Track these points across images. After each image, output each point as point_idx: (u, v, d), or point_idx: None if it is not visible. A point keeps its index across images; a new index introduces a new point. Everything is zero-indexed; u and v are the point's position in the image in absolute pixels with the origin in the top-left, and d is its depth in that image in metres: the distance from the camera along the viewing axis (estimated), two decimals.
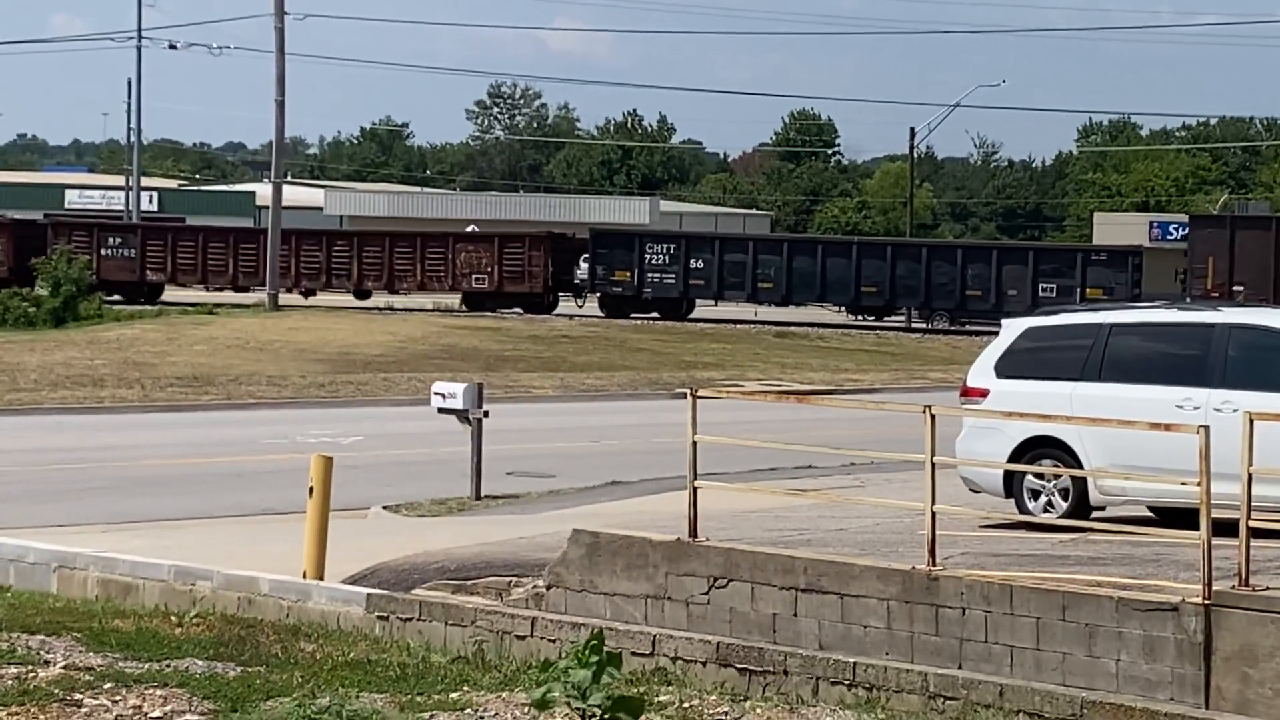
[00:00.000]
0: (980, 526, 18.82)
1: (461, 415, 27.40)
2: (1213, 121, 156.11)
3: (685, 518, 17.19)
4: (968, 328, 71.22)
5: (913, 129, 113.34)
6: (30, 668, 14.51)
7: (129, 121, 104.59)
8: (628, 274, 73.39)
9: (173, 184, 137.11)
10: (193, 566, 19.63)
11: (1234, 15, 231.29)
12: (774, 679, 15.51)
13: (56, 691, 13.68)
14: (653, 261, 73.28)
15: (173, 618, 17.59)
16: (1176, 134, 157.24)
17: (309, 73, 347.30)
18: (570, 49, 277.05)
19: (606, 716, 11.16)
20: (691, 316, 74.25)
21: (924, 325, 75.54)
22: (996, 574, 15.57)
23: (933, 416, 15.93)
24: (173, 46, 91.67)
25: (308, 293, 75.82)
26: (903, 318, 77.29)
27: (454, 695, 13.94)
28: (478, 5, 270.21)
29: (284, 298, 73.54)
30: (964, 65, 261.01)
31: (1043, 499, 19.14)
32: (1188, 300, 60.70)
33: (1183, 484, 15.36)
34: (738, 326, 70.92)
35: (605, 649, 11.33)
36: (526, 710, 13.03)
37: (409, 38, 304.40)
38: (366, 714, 13.00)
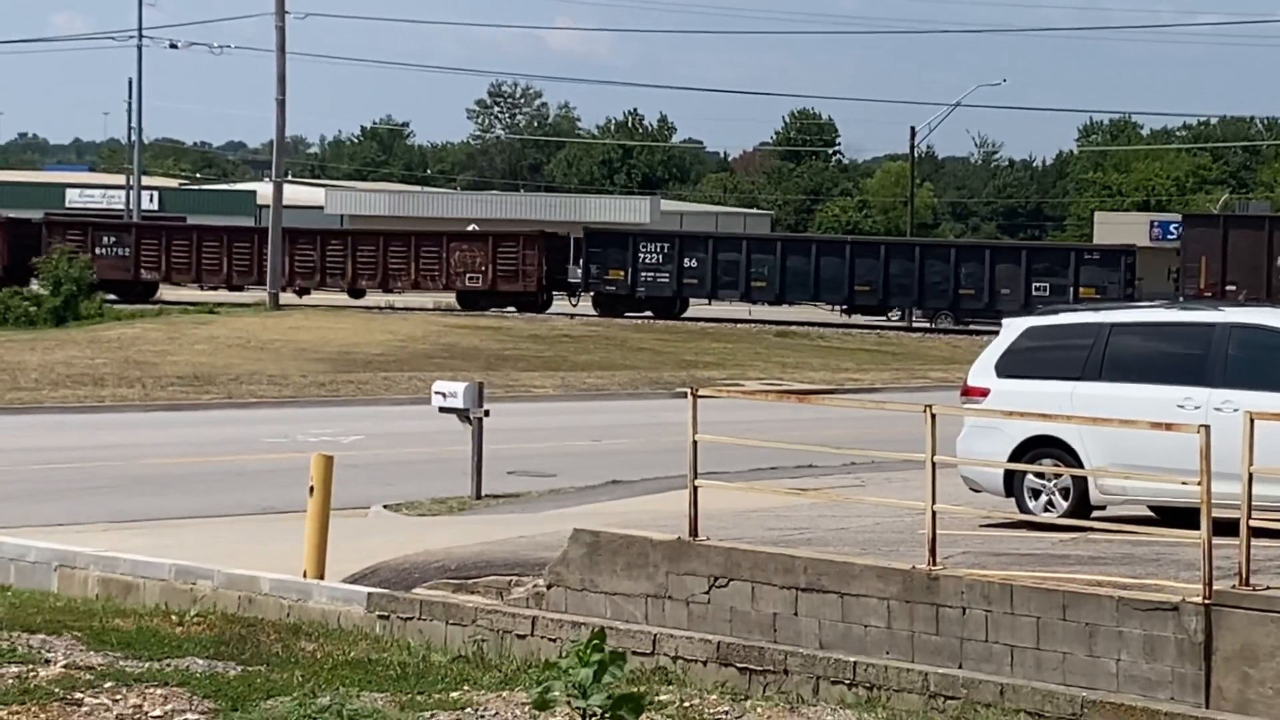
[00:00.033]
0: (981, 526, 18.82)
1: (462, 414, 27.41)
2: (1213, 121, 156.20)
3: (686, 517, 17.19)
4: (970, 327, 71.23)
5: (913, 128, 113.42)
6: (31, 667, 14.51)
7: (130, 120, 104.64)
8: (621, 273, 73.45)
9: (174, 183, 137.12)
10: (193, 566, 19.64)
11: (1234, 15, 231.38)
12: (774, 678, 15.51)
13: (57, 690, 13.68)
14: (646, 260, 73.33)
15: (173, 617, 17.59)
16: (1177, 133, 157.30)
17: (310, 72, 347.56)
18: (571, 48, 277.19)
19: (607, 716, 11.16)
20: (686, 315, 74.28)
21: (926, 324, 75.55)
22: (997, 573, 15.57)
23: (933, 416, 15.94)
24: (173, 46, 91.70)
25: (302, 291, 75.79)
26: (903, 317, 77.29)
27: (454, 694, 13.94)
28: (478, 5, 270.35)
29: (279, 296, 73.57)
30: (964, 64, 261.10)
31: (1043, 498, 19.15)
32: (1181, 299, 60.86)
33: (1183, 483, 15.37)
34: (738, 326, 70.93)
35: (608, 648, 11.32)
36: (527, 709, 13.02)
37: (409, 37, 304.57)
38: (367, 713, 13.00)
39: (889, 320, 77.22)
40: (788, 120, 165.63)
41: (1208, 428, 14.75)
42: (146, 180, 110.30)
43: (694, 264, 72.94)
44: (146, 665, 14.78)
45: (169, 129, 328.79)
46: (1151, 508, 19.11)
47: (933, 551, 15.81)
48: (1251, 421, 14.61)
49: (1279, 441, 15.59)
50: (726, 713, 13.72)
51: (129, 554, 20.39)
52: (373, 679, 14.59)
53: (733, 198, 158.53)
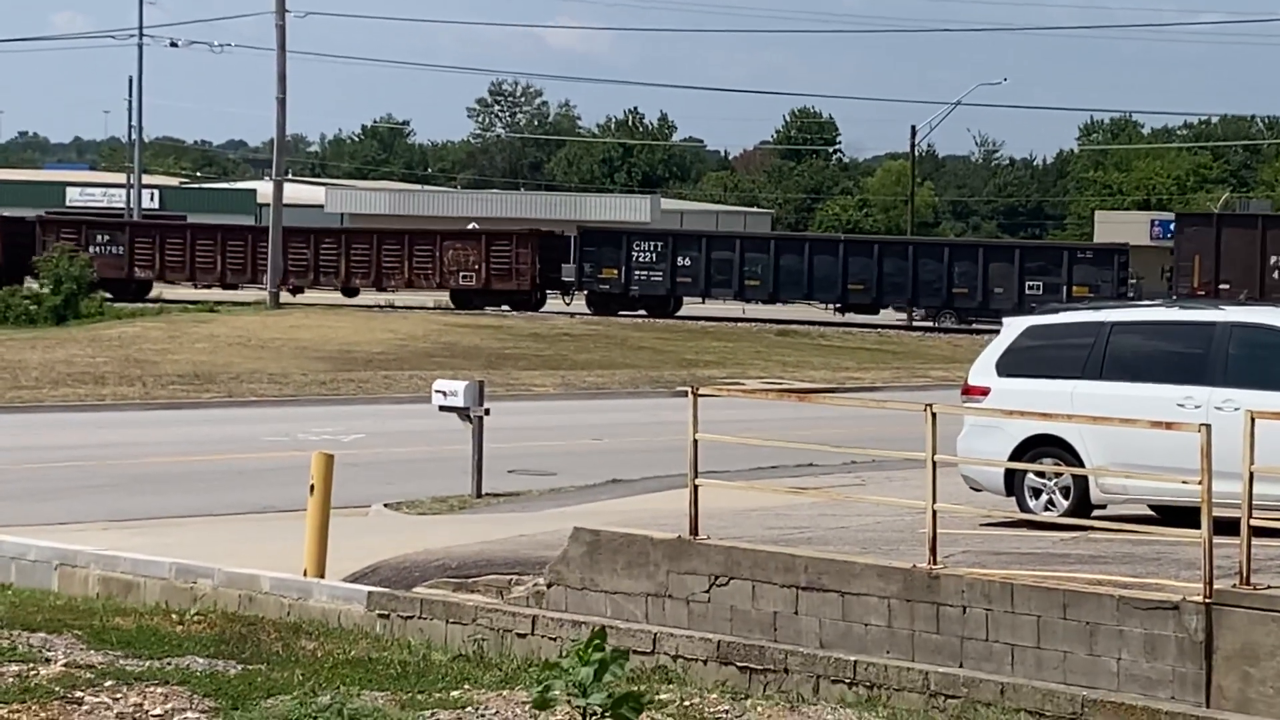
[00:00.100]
0: (981, 525, 18.82)
1: (462, 413, 27.40)
2: (1214, 120, 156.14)
3: (686, 516, 17.19)
4: (973, 327, 71.26)
5: (914, 127, 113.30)
6: (31, 665, 14.51)
7: (130, 119, 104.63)
8: (615, 271, 73.50)
9: (174, 182, 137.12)
10: (194, 564, 19.64)
11: (1236, 14, 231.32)
12: (775, 677, 15.51)
13: (57, 689, 13.67)
14: (640, 259, 73.39)
15: (173, 615, 17.59)
16: (1178, 132, 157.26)
17: (310, 70, 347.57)
18: (571, 47, 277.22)
19: (607, 715, 11.16)
20: (681, 314, 74.33)
21: (929, 324, 75.60)
22: (997, 572, 15.57)
23: (934, 415, 15.94)
24: (174, 44, 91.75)
25: (296, 290, 75.76)
26: (902, 316, 77.29)
27: (455, 693, 13.93)
28: (478, 3, 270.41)
29: (266, 294, 73.65)
30: (965, 63, 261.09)
31: (1044, 497, 19.15)
32: (1175, 298, 60.91)
33: (1184, 482, 15.37)
34: (739, 325, 70.95)
35: (609, 647, 11.32)
36: (527, 708, 13.02)
37: (410, 35, 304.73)
38: (367, 712, 13.00)
39: (904, 318, 77.13)
40: (788, 119, 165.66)
41: (1208, 427, 14.75)
42: (147, 179, 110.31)
43: (687, 263, 73.01)
44: (147, 664, 14.77)
45: (169, 128, 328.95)
46: (1152, 507, 19.10)
47: (933, 550, 15.81)
48: (1252, 420, 14.61)
49: (1279, 441, 15.58)
50: (727, 712, 13.71)
51: (129, 553, 20.39)
52: (373, 678, 14.59)
53: (733, 196, 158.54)
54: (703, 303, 77.53)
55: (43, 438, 35.79)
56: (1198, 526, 14.64)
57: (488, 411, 27.58)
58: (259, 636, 16.59)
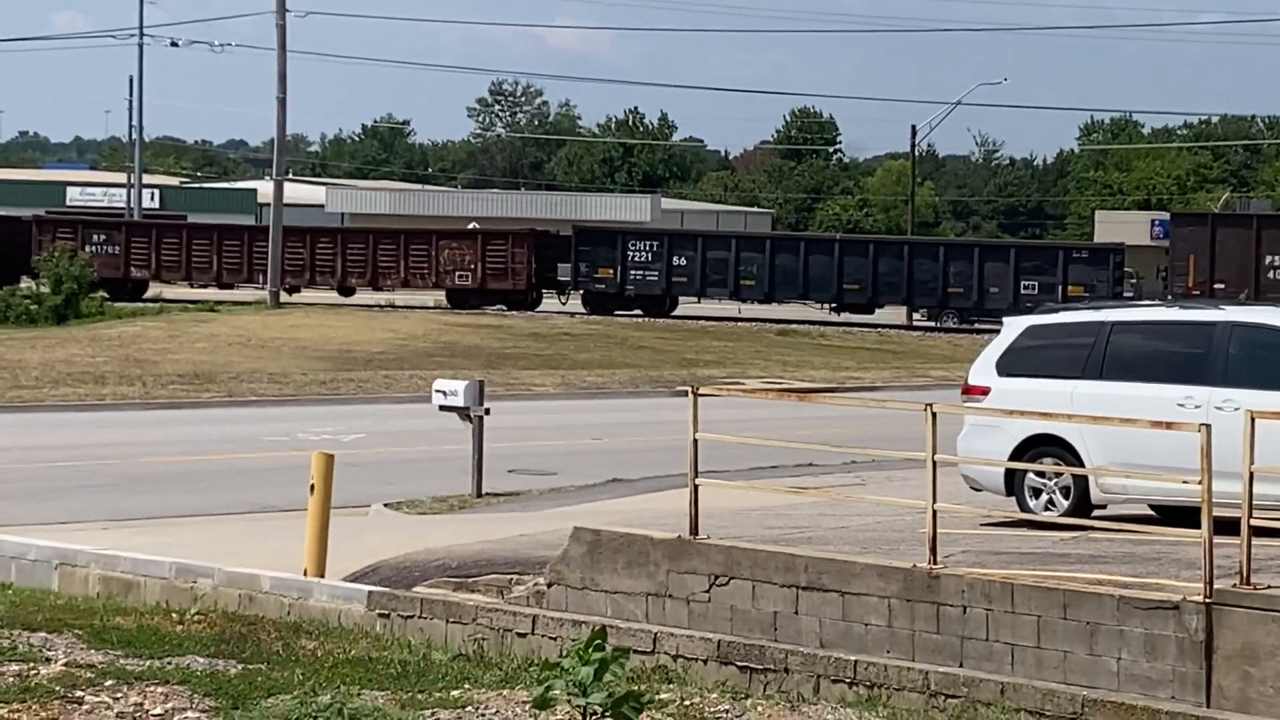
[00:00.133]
0: (981, 525, 18.82)
1: (463, 413, 27.40)
2: (1214, 120, 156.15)
3: (686, 515, 17.19)
4: (975, 326, 71.30)
5: (914, 127, 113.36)
6: (32, 665, 14.51)
7: (130, 119, 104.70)
8: (611, 271, 73.54)
9: (175, 181, 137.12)
10: (194, 564, 19.64)
11: (1236, 14, 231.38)
12: (775, 677, 15.51)
13: (58, 689, 13.68)
14: (635, 259, 73.44)
15: (174, 615, 17.59)
16: (1178, 132, 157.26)
17: (311, 70, 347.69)
18: (571, 46, 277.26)
19: (608, 714, 11.16)
20: (676, 314, 74.38)
21: (930, 323, 75.67)
22: (998, 572, 15.57)
23: (934, 415, 15.94)
24: (174, 44, 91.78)
25: (292, 289, 75.78)
26: (902, 315, 77.33)
27: (455, 693, 13.94)
28: (479, 3, 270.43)
29: (262, 294, 73.68)
30: (965, 63, 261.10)
31: (1044, 497, 19.15)
32: (1169, 297, 60.97)
33: (1184, 482, 15.37)
34: (739, 324, 70.96)
35: (609, 646, 11.32)
36: (527, 708, 13.02)
37: (410, 35, 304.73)
38: (368, 711, 13.00)
39: (904, 318, 77.15)
40: (789, 119, 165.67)
41: (1208, 426, 14.75)
42: (147, 178, 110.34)
43: (683, 262, 73.07)
44: (147, 663, 14.78)
45: (170, 127, 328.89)
46: (1152, 506, 19.11)
47: (933, 550, 15.81)
48: (1252, 420, 14.61)
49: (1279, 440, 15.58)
50: (727, 711, 13.72)
51: (129, 552, 20.38)
52: (373, 677, 14.59)
53: (733, 196, 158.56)
54: (698, 302, 77.60)
55: (43, 437, 35.79)
56: (1198, 526, 14.64)
57: (488, 411, 27.58)
58: (259, 636, 16.60)
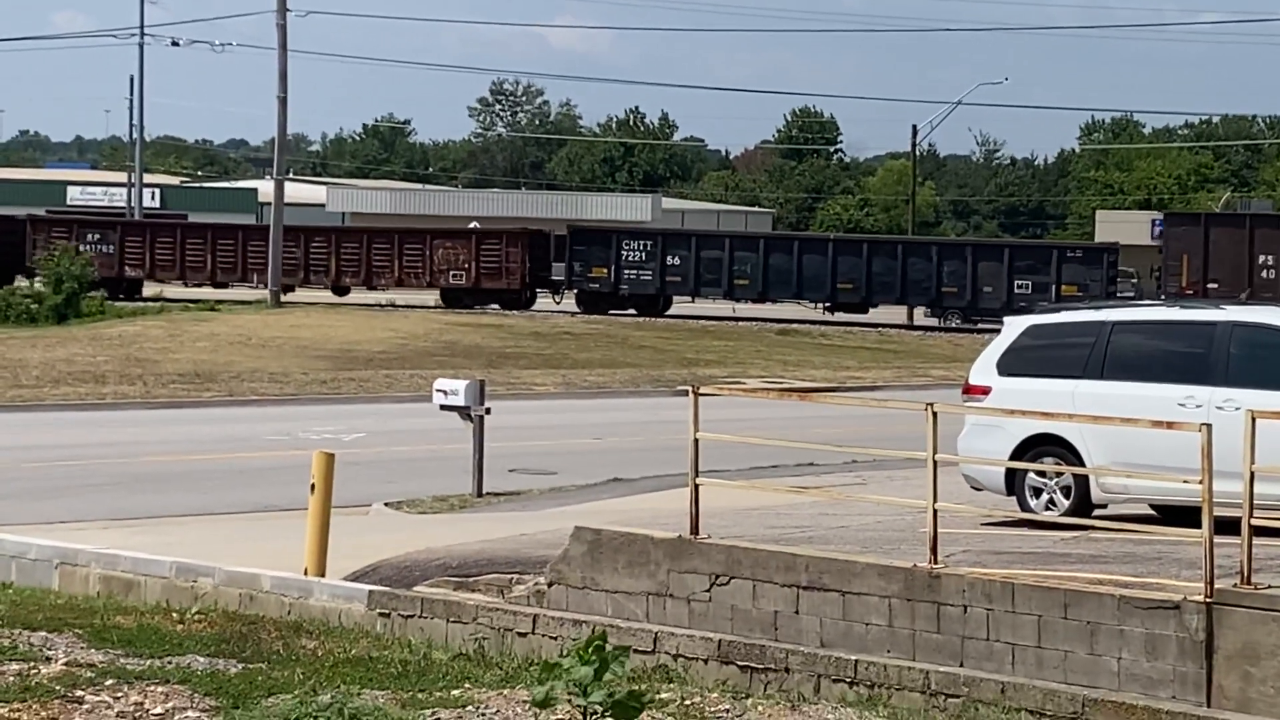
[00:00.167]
0: (982, 524, 18.81)
1: (463, 412, 27.40)
2: (1215, 119, 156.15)
3: (687, 515, 17.19)
4: (978, 326, 71.33)
5: (915, 126, 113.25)
6: (32, 664, 14.51)
7: (131, 118, 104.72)
8: (605, 270, 73.59)
9: (175, 181, 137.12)
10: (194, 563, 19.63)
11: (1237, 13, 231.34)
12: (775, 676, 15.51)
13: (58, 688, 13.68)
14: (630, 258, 73.48)
15: (174, 614, 17.59)
16: (1179, 132, 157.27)
17: (311, 69, 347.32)
18: (572, 46, 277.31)
19: (608, 714, 11.16)
20: (670, 313, 74.42)
21: (932, 323, 75.71)
22: (998, 572, 15.57)
23: (934, 414, 15.93)
24: (175, 43, 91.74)
25: (286, 289, 75.81)
26: (901, 314, 77.34)
27: (455, 692, 13.93)
28: (480, 2, 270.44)
29: (257, 294, 73.74)
30: (966, 63, 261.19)
31: (1044, 497, 19.15)
32: (1162, 297, 61.01)
33: (1185, 482, 15.37)
34: (739, 324, 70.96)
35: (610, 645, 11.32)
36: (528, 708, 13.02)
37: (411, 34, 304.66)
38: (368, 711, 12.99)
39: (904, 317, 77.16)
40: (789, 118, 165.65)
41: (1209, 426, 14.74)
42: (148, 178, 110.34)
43: (677, 262, 73.14)
44: (148, 663, 14.78)
45: (171, 126, 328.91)
46: (1153, 506, 19.10)
47: (934, 550, 15.81)
48: (1253, 420, 14.61)
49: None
50: (727, 711, 13.71)
51: (130, 551, 20.38)
52: (374, 677, 14.59)
53: (734, 196, 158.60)
54: (692, 301, 77.68)
55: (43, 436, 35.79)
56: (1198, 526, 14.64)
57: (489, 410, 27.58)
58: (260, 635, 16.59)
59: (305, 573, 19.20)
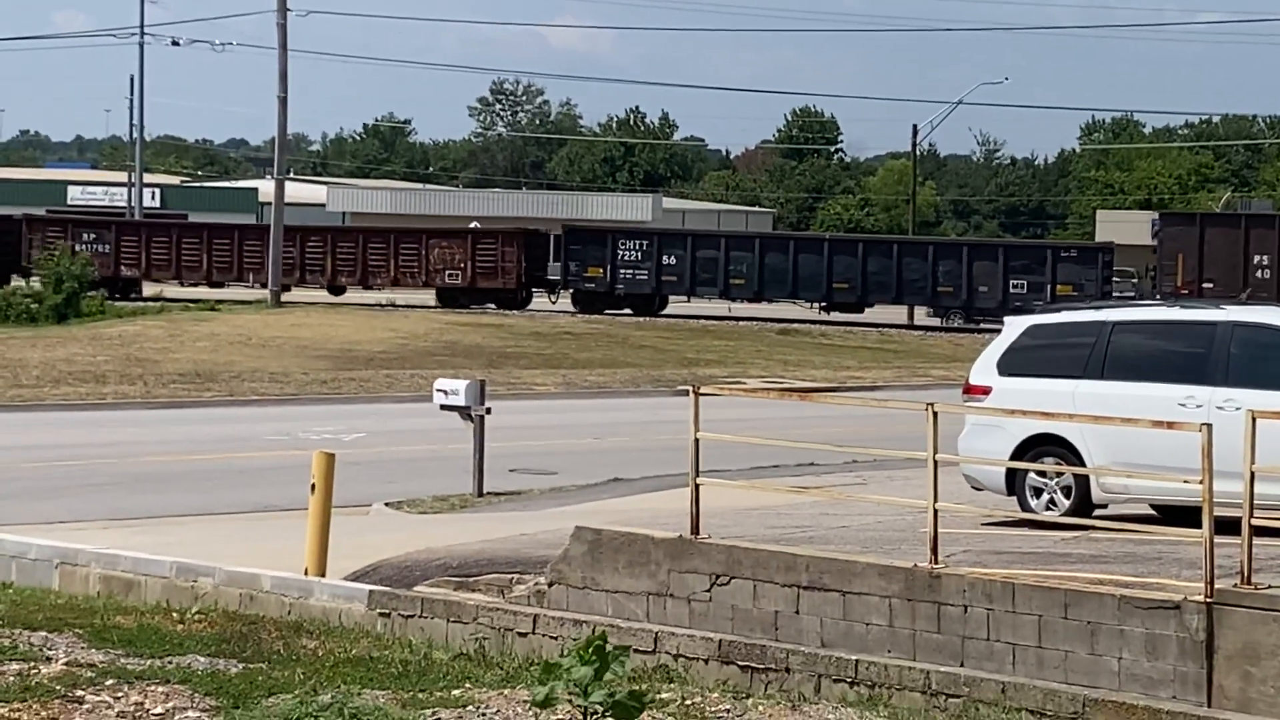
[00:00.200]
0: (982, 524, 18.81)
1: (464, 412, 27.40)
2: (1216, 119, 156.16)
3: (687, 515, 17.18)
4: (981, 325, 71.37)
5: (915, 126, 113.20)
6: (32, 664, 14.51)
7: (131, 118, 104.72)
8: (600, 270, 73.63)
9: (176, 180, 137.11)
10: (194, 563, 19.63)
11: (1237, 13, 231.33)
12: (776, 676, 15.51)
13: (58, 688, 13.67)
14: (625, 258, 73.54)
15: (174, 614, 17.58)
16: (1179, 132, 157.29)
17: (312, 69, 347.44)
18: (572, 46, 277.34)
19: (608, 714, 11.16)
20: (666, 312, 74.44)
21: (934, 322, 75.75)
22: (999, 572, 15.56)
23: (935, 414, 15.93)
24: (175, 43, 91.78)
25: (282, 288, 75.79)
26: (900, 314, 77.37)
27: (456, 692, 13.93)
28: (480, 2, 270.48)
29: (253, 293, 73.73)
30: (967, 62, 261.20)
31: (1045, 497, 19.14)
32: (1157, 297, 61.03)
33: (1185, 482, 15.36)
34: (740, 324, 70.97)
35: (610, 645, 11.32)
36: (528, 708, 13.01)
37: (411, 34, 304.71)
38: (368, 711, 12.99)
39: (905, 317, 77.18)
40: (790, 118, 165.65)
41: (1209, 426, 14.74)
42: (148, 178, 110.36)
43: (673, 261, 73.20)
44: (148, 663, 14.77)
45: (171, 126, 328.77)
46: (1154, 506, 19.10)
47: (934, 550, 15.80)
48: (1253, 420, 14.61)
49: None
50: (728, 711, 13.71)
51: (130, 551, 20.38)
52: (374, 677, 14.58)
53: (735, 195, 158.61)
54: (688, 301, 77.75)
55: (43, 436, 35.79)
56: (1199, 526, 14.64)
57: (489, 410, 27.58)
58: (260, 635, 16.59)
59: (305, 573, 19.20)
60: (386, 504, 26.43)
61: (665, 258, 73.19)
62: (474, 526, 22.79)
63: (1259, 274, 67.41)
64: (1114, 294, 69.22)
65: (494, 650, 16.53)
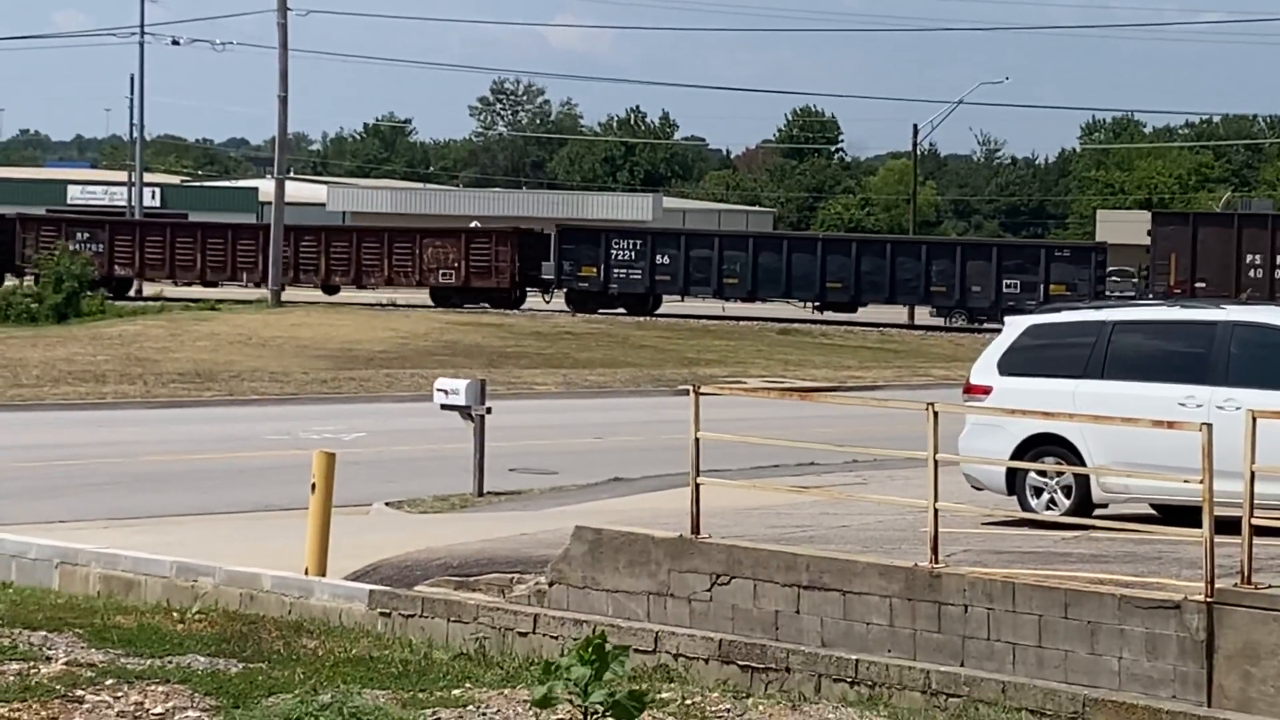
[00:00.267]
0: (983, 524, 18.81)
1: (464, 411, 27.40)
2: (1216, 119, 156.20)
3: (688, 514, 17.18)
4: (984, 325, 71.39)
5: (916, 126, 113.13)
6: (32, 664, 14.50)
7: (131, 117, 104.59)
8: (594, 270, 73.66)
9: (176, 180, 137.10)
10: (195, 563, 19.63)
11: (1238, 13, 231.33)
12: (776, 676, 15.51)
13: (58, 688, 13.67)
14: (619, 257, 73.56)
15: (174, 614, 17.58)
16: (1180, 131, 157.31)
17: (312, 69, 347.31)
18: (573, 45, 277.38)
19: (608, 714, 11.15)
20: (659, 312, 74.47)
21: (936, 322, 75.75)
22: (999, 571, 15.56)
23: (935, 414, 15.93)
24: (175, 42, 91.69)
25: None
26: (900, 314, 77.39)
27: (456, 692, 13.93)
28: (481, 2, 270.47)
29: (249, 292, 73.72)
30: (967, 62, 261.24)
31: (1045, 496, 19.14)
32: (1150, 296, 61.00)
33: (1185, 482, 15.36)
34: (740, 323, 70.97)
35: (610, 645, 11.32)
36: (528, 707, 13.01)
37: (412, 34, 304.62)
38: (368, 710, 12.99)
39: (905, 317, 77.19)
40: (790, 117, 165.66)
41: (1210, 426, 14.74)
42: (149, 177, 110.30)
43: (666, 261, 73.24)
44: (148, 662, 14.77)
45: (171, 125, 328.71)
46: (1154, 506, 19.10)
47: (935, 549, 15.80)
48: (1254, 420, 14.60)
49: None
50: (728, 710, 13.70)
51: (130, 551, 20.38)
52: (374, 676, 14.58)
53: (735, 195, 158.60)
54: (682, 300, 77.78)
55: (43, 436, 35.79)
56: (1199, 526, 14.63)
57: (489, 410, 27.57)
58: (260, 635, 16.59)
59: (306, 572, 19.19)
60: (387, 503, 26.43)
61: (659, 257, 73.24)
62: (474, 526, 22.79)
63: (1252, 273, 67.44)
64: (1114, 294, 69.24)
65: (494, 650, 16.53)
